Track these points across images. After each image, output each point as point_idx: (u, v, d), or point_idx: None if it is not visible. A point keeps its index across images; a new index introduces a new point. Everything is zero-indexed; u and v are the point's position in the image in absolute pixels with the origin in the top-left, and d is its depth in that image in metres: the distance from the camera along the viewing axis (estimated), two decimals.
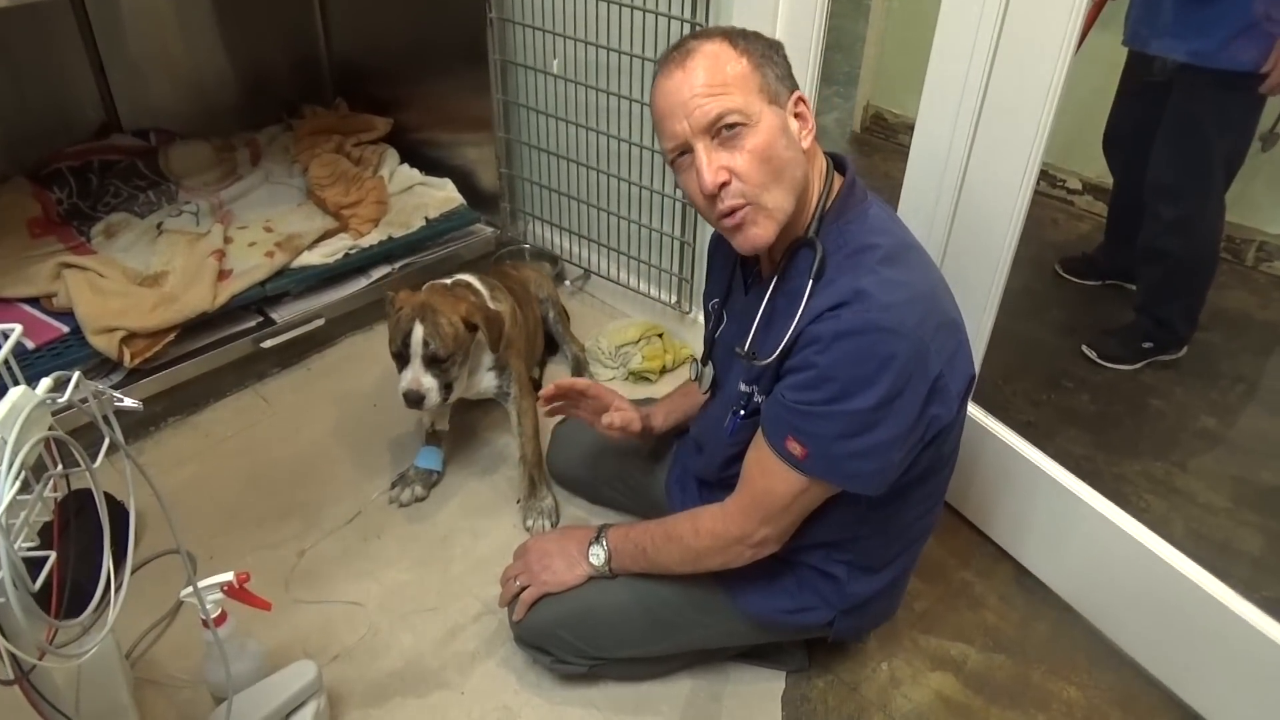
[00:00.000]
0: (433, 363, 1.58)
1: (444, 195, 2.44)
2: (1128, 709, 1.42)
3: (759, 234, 1.07)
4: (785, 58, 1.10)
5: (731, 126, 1.02)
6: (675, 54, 1.06)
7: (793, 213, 1.08)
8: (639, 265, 2.26)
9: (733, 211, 1.05)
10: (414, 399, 1.58)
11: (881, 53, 3.54)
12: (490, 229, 2.47)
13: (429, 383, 1.58)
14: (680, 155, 1.08)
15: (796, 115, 1.08)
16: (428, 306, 1.57)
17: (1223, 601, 1.32)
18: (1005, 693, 1.44)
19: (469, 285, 1.76)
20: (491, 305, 1.75)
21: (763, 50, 1.07)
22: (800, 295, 1.07)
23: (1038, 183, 1.38)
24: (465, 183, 2.48)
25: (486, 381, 1.77)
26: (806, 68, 1.70)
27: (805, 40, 1.68)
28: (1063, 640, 1.53)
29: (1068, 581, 1.58)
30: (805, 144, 1.09)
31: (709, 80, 1.03)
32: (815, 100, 1.74)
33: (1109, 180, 2.50)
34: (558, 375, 2.13)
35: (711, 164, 1.03)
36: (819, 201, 1.11)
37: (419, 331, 1.55)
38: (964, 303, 1.52)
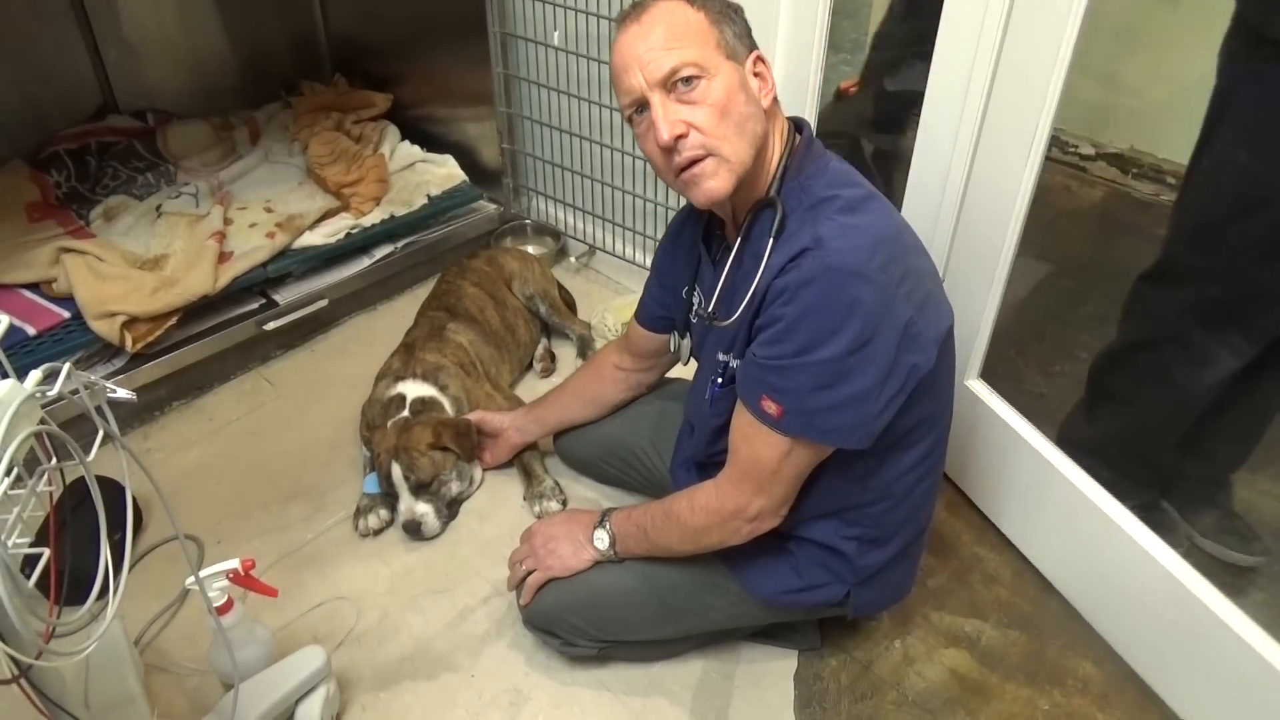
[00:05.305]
0: (421, 489, 1.61)
1: (445, 172, 2.41)
2: (1144, 684, 1.40)
3: (716, 186, 1.05)
4: (744, 19, 1.10)
5: (688, 80, 1.02)
6: (632, 10, 1.07)
7: (753, 170, 1.08)
8: (644, 240, 2.23)
9: (691, 164, 1.04)
10: (412, 529, 1.61)
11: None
12: (493, 206, 2.44)
13: (423, 509, 1.61)
14: (638, 112, 1.07)
15: (756, 74, 1.08)
16: (399, 447, 1.60)
17: (1223, 618, 1.24)
18: (1020, 669, 1.43)
19: (433, 401, 1.72)
20: (445, 391, 1.74)
21: (720, 8, 1.07)
22: (761, 255, 1.06)
23: (1049, 149, 1.35)
24: (467, 159, 2.45)
25: None
26: (813, 34, 1.66)
27: (812, 6, 1.64)
28: (1078, 615, 1.51)
29: (1057, 564, 1.53)
30: (765, 102, 1.09)
31: (665, 33, 1.03)
32: (823, 67, 1.70)
33: (1122, 147, 2.45)
34: (564, 355, 2.12)
35: (668, 116, 1.03)
36: (781, 161, 1.11)
37: (397, 469, 1.59)
38: (977, 274, 1.50)
